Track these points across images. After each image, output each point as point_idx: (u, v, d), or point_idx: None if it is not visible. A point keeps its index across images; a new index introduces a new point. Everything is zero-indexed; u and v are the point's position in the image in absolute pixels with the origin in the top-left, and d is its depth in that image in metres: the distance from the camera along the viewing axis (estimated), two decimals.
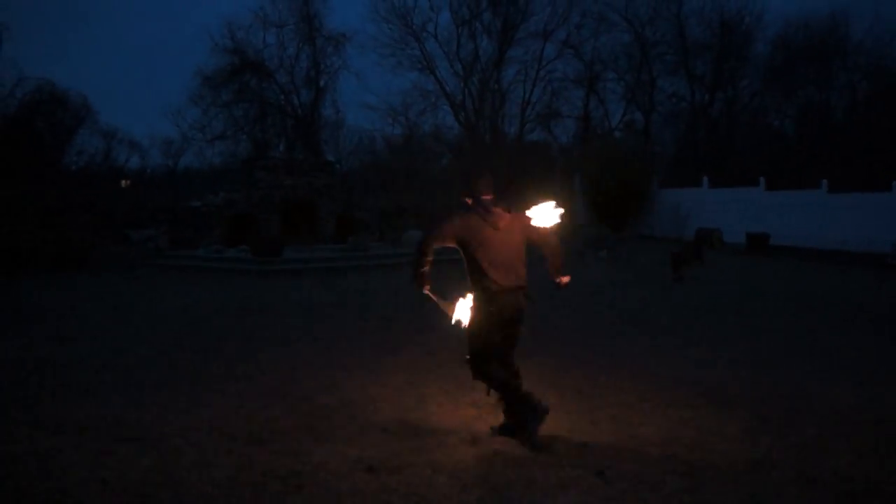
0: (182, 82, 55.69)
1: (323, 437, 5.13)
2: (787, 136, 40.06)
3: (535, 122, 40.41)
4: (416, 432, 5.25)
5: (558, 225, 5.27)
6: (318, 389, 6.32)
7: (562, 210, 5.23)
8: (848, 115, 38.37)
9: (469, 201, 5.15)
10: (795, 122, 40.27)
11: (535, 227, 5.21)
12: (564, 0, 38.46)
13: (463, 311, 5.07)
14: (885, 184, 25.43)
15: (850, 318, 10.82)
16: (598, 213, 28.86)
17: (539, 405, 5.02)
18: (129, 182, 35.50)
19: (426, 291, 5.10)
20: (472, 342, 5.04)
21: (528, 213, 5.21)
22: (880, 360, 7.96)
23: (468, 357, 5.07)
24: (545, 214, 5.22)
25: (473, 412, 5.47)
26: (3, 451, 4.81)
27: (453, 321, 5.12)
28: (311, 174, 23.51)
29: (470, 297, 5.06)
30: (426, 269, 5.05)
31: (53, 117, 31.95)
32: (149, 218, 24.08)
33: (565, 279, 5.38)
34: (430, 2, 40.03)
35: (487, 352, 5.01)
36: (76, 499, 4.05)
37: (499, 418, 5.29)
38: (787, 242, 24.66)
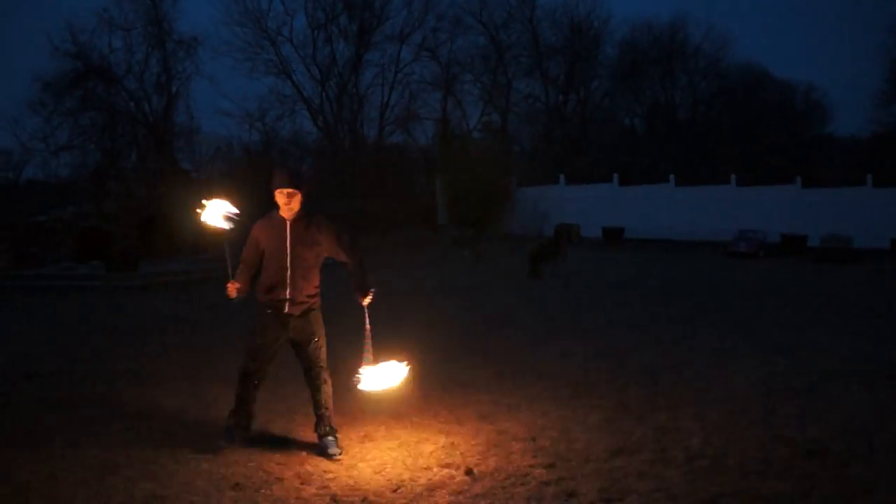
0: (18, 89, 52.07)
1: (184, 457, 4.92)
2: (637, 133, 42.18)
3: (395, 125, 40.55)
4: (282, 445, 5.14)
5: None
6: (178, 406, 6.07)
7: (407, 371, 4.99)
8: (691, 114, 40.84)
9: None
10: (644, 121, 42.47)
11: (333, 240, 4.96)
12: (420, 3, 38.93)
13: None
14: (726, 177, 27.20)
15: (697, 305, 11.48)
16: (459, 213, 29.30)
17: (236, 428, 5.10)
18: None
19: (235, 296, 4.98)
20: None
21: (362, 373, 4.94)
22: (731, 344, 8.50)
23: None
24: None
25: (338, 419, 5.41)
26: None
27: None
28: (167, 184, 22.64)
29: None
30: (239, 277, 4.98)
31: None
32: None
33: (366, 299, 4.98)
34: (284, 5, 39.36)
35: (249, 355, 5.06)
36: None
37: (359, 428, 5.28)
38: (640, 235, 25.93)
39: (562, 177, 30.91)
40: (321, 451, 4.92)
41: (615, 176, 29.38)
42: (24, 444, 5.34)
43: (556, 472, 4.50)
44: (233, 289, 4.94)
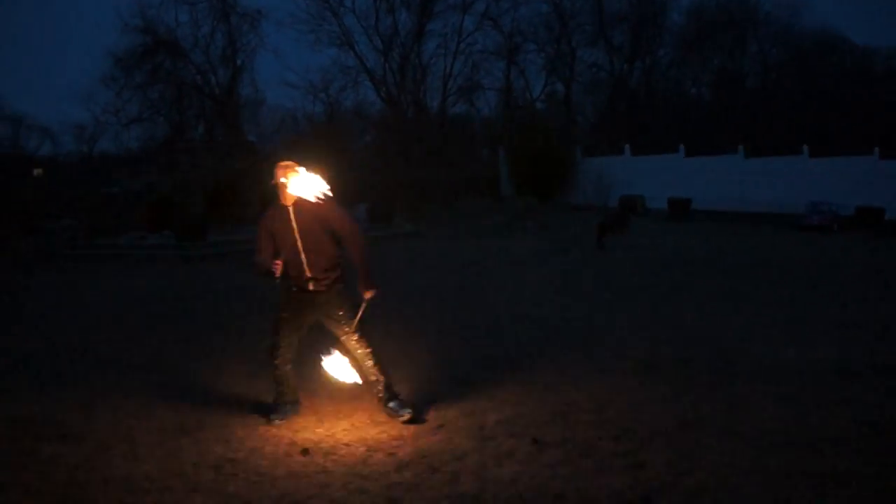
0: (92, 64, 53.41)
1: (254, 423, 5.05)
2: (704, 103, 41.13)
3: (457, 95, 40.32)
4: (349, 412, 5.21)
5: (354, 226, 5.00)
6: (247, 375, 6.21)
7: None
8: (761, 82, 39.60)
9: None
10: (712, 90, 41.36)
11: (332, 220, 4.92)
12: None
13: None
14: (798, 147, 26.34)
15: (770, 278, 11.20)
16: (522, 184, 29.07)
17: (283, 403, 5.14)
18: (41, 170, 34.10)
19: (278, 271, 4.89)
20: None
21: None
22: (802, 317, 8.28)
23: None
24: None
25: (408, 387, 5.45)
26: None
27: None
28: (233, 155, 23.03)
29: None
30: (267, 263, 4.90)
31: None
32: (65, 207, 23.21)
33: (369, 293, 4.94)
34: None
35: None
36: None
37: (424, 397, 5.37)
38: (707, 207, 25.33)
39: (627, 147, 30.34)
40: (390, 414, 5.00)
41: (681, 146, 28.72)
42: (104, 406, 5.55)
43: (623, 444, 4.46)
44: (279, 267, 4.88)
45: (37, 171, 33.40)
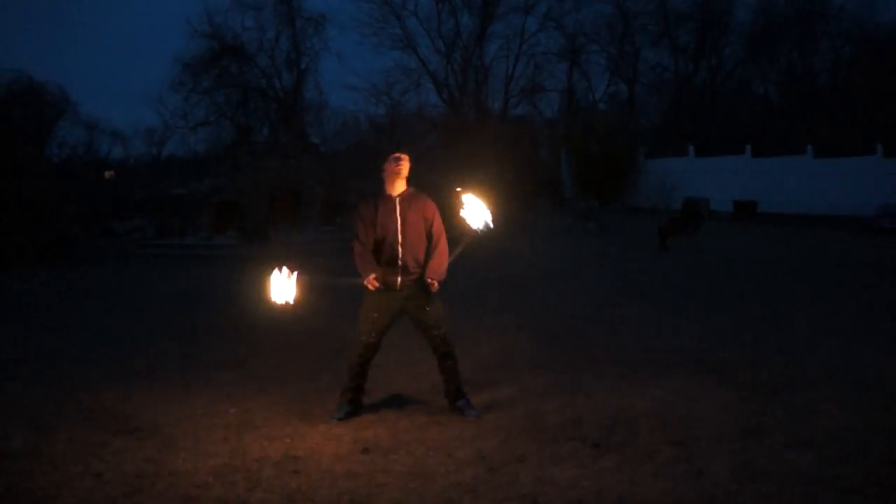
0: (161, 69, 55.00)
1: (317, 421, 5.12)
2: (771, 103, 40.11)
3: (519, 97, 40.22)
4: (410, 412, 5.25)
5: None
6: (311, 372, 6.30)
7: (490, 217, 5.07)
8: (832, 80, 38.40)
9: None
10: (780, 89, 40.30)
11: (432, 217, 5.06)
12: None
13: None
14: (870, 147, 25.52)
15: (838, 283, 10.89)
16: (584, 185, 28.87)
17: (349, 403, 5.17)
18: (112, 173, 35.21)
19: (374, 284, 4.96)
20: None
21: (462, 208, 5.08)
22: (867, 323, 8.02)
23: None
24: (474, 214, 5.06)
25: (466, 389, 5.47)
26: None
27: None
28: (296, 157, 23.39)
29: None
30: (370, 263, 4.98)
31: (32, 110, 31.56)
32: (134, 208, 23.93)
33: (435, 284, 5.00)
34: None
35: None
36: (71, 493, 4.03)
37: (485, 398, 5.38)
38: (774, 209, 24.76)
39: (691, 148, 29.88)
40: (458, 412, 5.07)
41: (748, 147, 28.13)
42: (171, 400, 5.71)
43: (684, 451, 4.39)
44: (373, 281, 4.95)
45: (108, 174, 34.50)
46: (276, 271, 5.01)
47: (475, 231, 5.10)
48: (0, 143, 25.64)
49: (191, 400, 5.73)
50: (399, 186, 5.05)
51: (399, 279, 4.99)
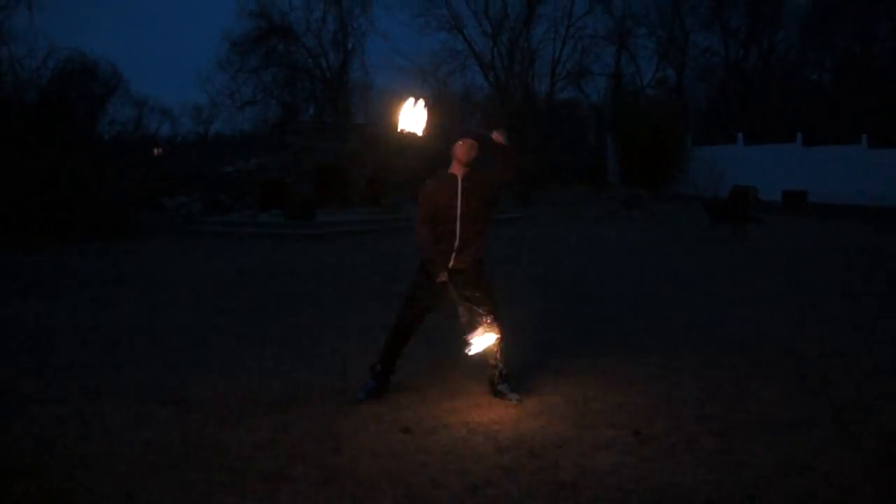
0: (210, 48, 55.62)
1: (356, 398, 5.17)
2: (825, 89, 39.08)
3: (566, 80, 39.82)
4: (451, 393, 5.28)
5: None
6: (354, 352, 6.37)
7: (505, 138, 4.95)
8: (891, 65, 37.24)
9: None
10: (834, 75, 39.24)
11: (489, 200, 5.05)
12: None
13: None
14: None
15: (893, 277, 10.64)
16: (630, 172, 28.55)
17: (377, 384, 5.18)
18: (161, 150, 35.76)
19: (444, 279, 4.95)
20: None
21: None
22: None
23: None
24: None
25: (508, 373, 5.46)
26: (50, 412, 4.93)
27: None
28: (342, 137, 23.51)
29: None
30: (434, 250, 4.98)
31: (85, 87, 32.14)
32: (182, 185, 24.29)
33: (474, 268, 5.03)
34: None
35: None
36: (122, 460, 4.14)
37: (526, 383, 5.39)
38: (825, 199, 24.21)
39: (740, 136, 29.32)
40: (499, 396, 5.08)
41: (799, 135, 27.51)
42: (216, 374, 5.82)
43: (726, 442, 4.34)
44: (443, 277, 4.95)
45: (157, 151, 35.05)
46: (408, 101, 4.95)
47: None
48: (56, 121, 26.26)
49: (235, 374, 5.83)
50: (465, 169, 5.03)
51: (452, 259, 4.99)
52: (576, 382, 5.50)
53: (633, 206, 21.49)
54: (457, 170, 5.03)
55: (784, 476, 3.87)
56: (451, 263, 4.99)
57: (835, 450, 4.22)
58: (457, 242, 4.97)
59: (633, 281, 10.41)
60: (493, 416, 4.80)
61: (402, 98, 5.00)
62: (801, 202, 23.76)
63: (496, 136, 4.99)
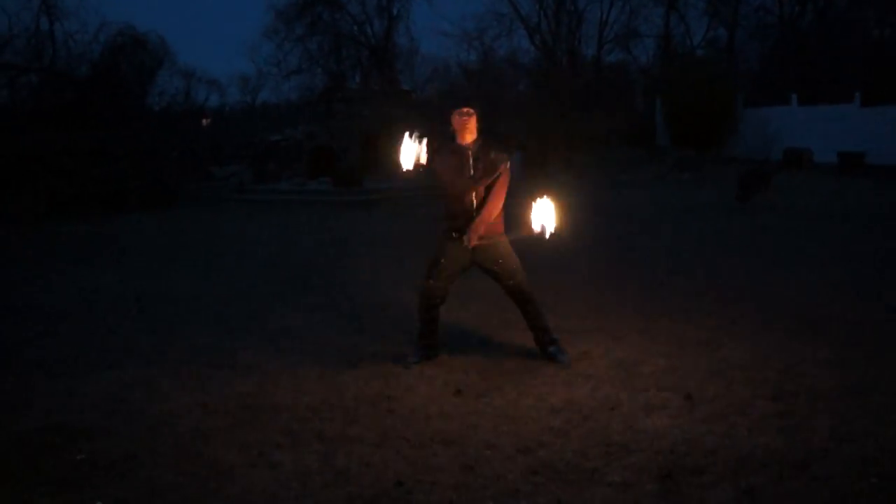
0: (255, 18, 55.87)
1: (408, 362, 5.23)
2: (888, 46, 37.68)
3: (614, 43, 39.10)
4: (503, 356, 5.32)
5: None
6: (405, 317, 6.43)
7: (553, 227, 4.88)
8: None
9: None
10: None
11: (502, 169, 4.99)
12: None
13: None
14: None
15: None
16: (679, 135, 28.00)
17: (426, 347, 5.24)
18: (209, 120, 36.17)
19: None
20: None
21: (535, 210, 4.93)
22: None
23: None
24: (541, 217, 4.90)
25: (562, 335, 5.47)
26: (114, 377, 5.09)
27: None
28: (388, 104, 23.49)
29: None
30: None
31: (135, 60, 32.54)
32: (231, 154, 24.58)
33: (472, 239, 4.96)
34: None
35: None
36: (182, 422, 4.27)
37: (577, 346, 5.39)
38: (885, 161, 23.43)
39: (794, 96, 28.52)
40: (550, 358, 5.11)
41: (857, 95, 26.64)
42: (269, 339, 5.94)
43: (780, 406, 4.30)
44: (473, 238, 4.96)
45: (205, 121, 35.47)
46: (406, 137, 4.96)
47: (534, 232, 4.92)
48: (108, 94, 26.71)
49: (288, 340, 5.95)
50: (469, 138, 5.01)
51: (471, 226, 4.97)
52: (626, 345, 5.49)
53: (684, 169, 21.15)
54: (464, 141, 5.01)
55: (839, 441, 3.82)
56: (471, 230, 4.97)
57: (892, 416, 4.14)
58: (475, 213, 4.96)
59: (683, 245, 10.28)
60: (543, 379, 4.82)
61: (400, 136, 4.97)
62: (859, 164, 23.06)
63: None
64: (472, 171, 4.96)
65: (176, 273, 9.16)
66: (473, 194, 4.97)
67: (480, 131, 5.08)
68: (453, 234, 5.05)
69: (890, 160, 23.48)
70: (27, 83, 29.15)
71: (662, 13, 39.04)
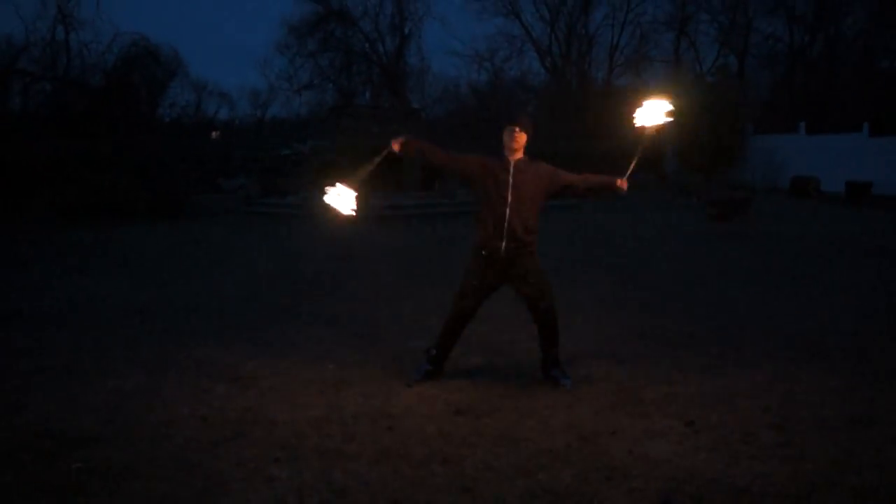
0: (268, 33, 56.35)
1: (409, 380, 5.21)
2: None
3: (624, 66, 39.33)
4: (504, 377, 5.29)
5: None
6: (407, 334, 6.41)
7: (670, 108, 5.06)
8: None
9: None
10: None
11: (553, 175, 5.06)
12: None
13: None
14: None
15: None
16: (688, 160, 28.05)
17: (432, 368, 5.20)
18: (219, 133, 36.39)
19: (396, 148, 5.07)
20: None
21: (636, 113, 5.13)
22: None
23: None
24: (651, 112, 5.08)
25: (564, 358, 5.45)
26: (112, 386, 5.08)
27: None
28: (398, 122, 23.56)
29: None
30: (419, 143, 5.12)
31: (147, 71, 32.82)
32: (239, 167, 24.67)
33: (624, 182, 5.16)
34: None
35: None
36: (180, 433, 4.25)
37: (579, 370, 5.38)
38: (892, 192, 23.42)
39: (802, 125, 28.59)
40: (551, 381, 5.09)
41: (865, 125, 26.68)
42: (271, 353, 5.92)
43: (784, 435, 4.26)
44: (398, 144, 5.08)
45: (215, 134, 35.69)
46: (329, 189, 4.95)
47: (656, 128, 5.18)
48: (119, 104, 26.88)
49: (290, 354, 5.93)
50: (517, 155, 5.01)
51: (503, 245, 4.91)
52: (629, 371, 5.45)
53: (690, 194, 21.15)
54: (509, 155, 5.01)
55: (843, 472, 3.78)
56: (502, 251, 4.94)
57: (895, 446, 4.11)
58: (507, 227, 4.91)
59: (688, 271, 10.25)
60: (545, 401, 4.79)
61: (329, 187, 4.97)
62: (865, 193, 23.04)
63: (521, 122, 5.04)
64: (510, 184, 4.91)
65: (180, 283, 9.17)
66: (508, 212, 4.91)
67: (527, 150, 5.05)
68: (483, 254, 5.00)
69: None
70: (41, 91, 29.39)
71: (673, 38, 39.32)
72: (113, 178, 17.28)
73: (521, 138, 4.97)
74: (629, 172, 5.11)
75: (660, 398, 4.86)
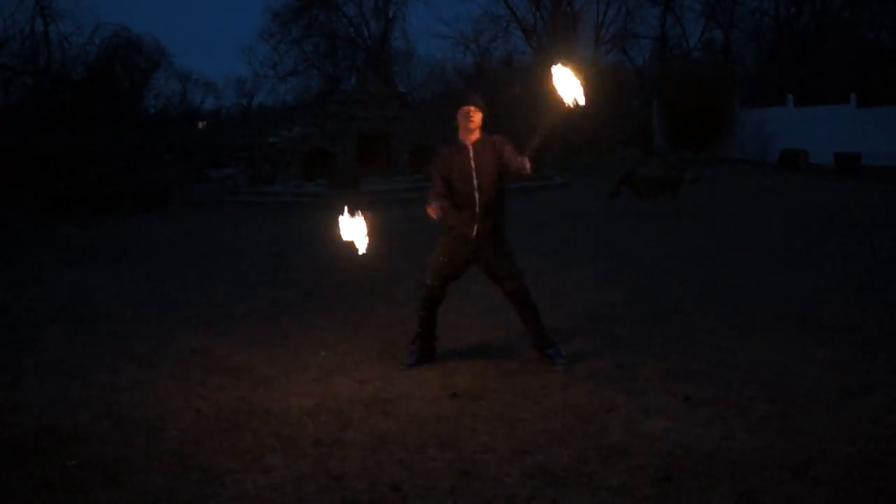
0: (252, 20, 55.99)
1: (404, 364, 5.19)
2: (883, 48, 37.73)
3: (610, 44, 39.14)
4: (499, 358, 5.28)
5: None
6: (400, 319, 6.39)
7: (581, 93, 4.75)
8: None
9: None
10: (892, 33, 37.84)
11: (509, 149, 4.92)
12: None
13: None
14: None
15: None
16: (676, 137, 28.02)
17: (422, 350, 5.21)
18: (205, 123, 36.15)
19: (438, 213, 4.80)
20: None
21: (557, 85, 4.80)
22: None
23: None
24: (565, 88, 4.78)
25: (558, 338, 5.44)
26: (105, 380, 5.05)
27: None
28: (384, 106, 23.44)
29: None
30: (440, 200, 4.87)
31: (130, 62, 32.53)
32: (226, 156, 24.48)
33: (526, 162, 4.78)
34: None
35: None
36: (174, 426, 4.23)
37: (574, 348, 5.36)
38: (881, 162, 23.43)
39: (790, 97, 28.55)
40: (546, 361, 5.07)
41: (853, 96, 26.67)
42: (264, 343, 5.89)
43: (778, 408, 4.27)
44: (438, 208, 4.81)
45: (201, 124, 35.45)
46: (344, 214, 4.97)
47: (566, 105, 4.77)
48: (103, 96, 26.65)
49: (283, 343, 5.90)
50: (473, 136, 4.99)
51: (475, 226, 4.92)
52: (624, 349, 5.45)
53: (679, 171, 21.10)
54: (465, 138, 4.99)
55: (839, 443, 3.79)
56: (473, 232, 4.93)
57: (891, 417, 4.11)
58: (477, 210, 4.90)
59: (679, 246, 10.24)
60: (540, 381, 4.79)
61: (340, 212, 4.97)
62: (854, 165, 23.07)
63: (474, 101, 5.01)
64: (473, 167, 4.91)
65: (169, 275, 9.11)
66: (477, 195, 4.91)
67: (484, 130, 5.02)
68: (453, 235, 5.00)
69: (886, 161, 23.50)
70: (22, 85, 29.11)
71: (658, 14, 39.11)
72: (99, 171, 17.14)
73: (477, 117, 4.96)
74: (530, 151, 4.84)
75: (655, 374, 4.86)
